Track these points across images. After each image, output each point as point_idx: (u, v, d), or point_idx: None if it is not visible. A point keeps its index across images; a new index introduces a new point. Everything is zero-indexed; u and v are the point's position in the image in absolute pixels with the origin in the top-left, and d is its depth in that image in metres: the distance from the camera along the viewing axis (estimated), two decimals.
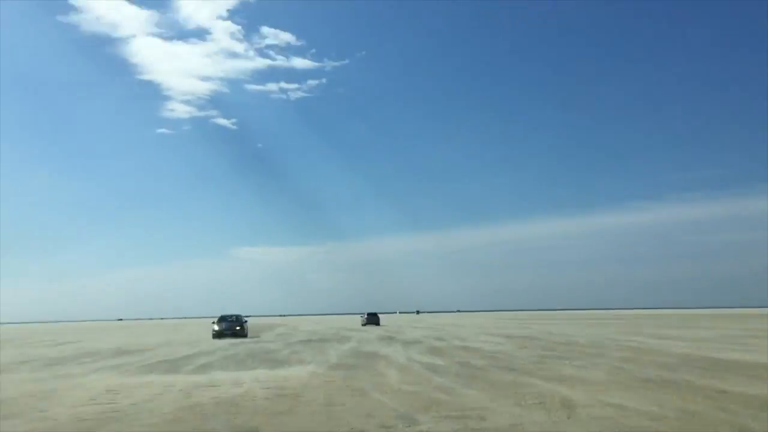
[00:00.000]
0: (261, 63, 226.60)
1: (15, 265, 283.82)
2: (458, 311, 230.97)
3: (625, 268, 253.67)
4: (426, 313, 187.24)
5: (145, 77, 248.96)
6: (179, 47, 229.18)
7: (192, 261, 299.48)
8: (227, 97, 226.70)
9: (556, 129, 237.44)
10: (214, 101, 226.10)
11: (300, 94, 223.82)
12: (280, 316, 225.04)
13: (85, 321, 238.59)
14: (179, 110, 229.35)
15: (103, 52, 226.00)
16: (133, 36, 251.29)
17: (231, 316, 37.57)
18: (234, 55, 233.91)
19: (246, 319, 38.68)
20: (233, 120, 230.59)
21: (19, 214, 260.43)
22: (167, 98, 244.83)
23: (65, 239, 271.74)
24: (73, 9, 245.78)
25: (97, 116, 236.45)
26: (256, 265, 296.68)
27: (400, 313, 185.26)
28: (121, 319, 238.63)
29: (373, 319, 61.11)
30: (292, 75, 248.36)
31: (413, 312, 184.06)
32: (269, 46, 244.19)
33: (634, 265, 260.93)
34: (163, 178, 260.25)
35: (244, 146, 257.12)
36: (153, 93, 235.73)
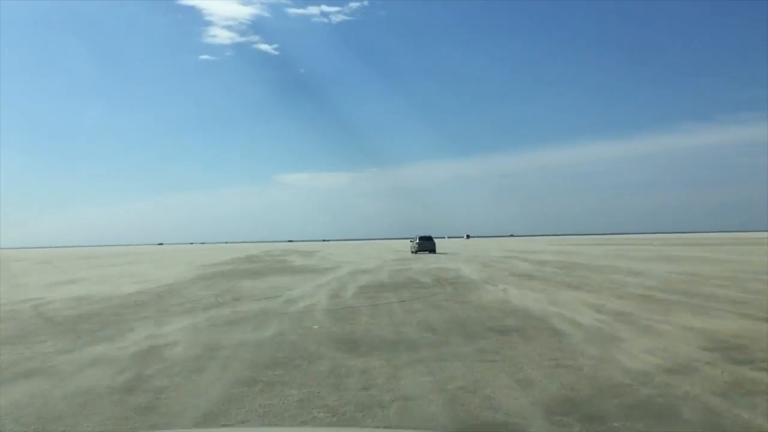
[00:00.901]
0: None
1: (67, 193, 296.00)
2: (511, 236, 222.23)
3: (675, 192, 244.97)
4: (475, 238, 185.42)
5: (186, 2, 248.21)
6: None
7: (237, 187, 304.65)
8: (269, 22, 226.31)
9: (605, 46, 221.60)
10: (256, 26, 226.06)
11: (341, 17, 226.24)
12: (323, 240, 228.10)
13: (128, 245, 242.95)
14: (221, 36, 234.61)
15: None
16: None
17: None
18: None
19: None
20: (275, 45, 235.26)
21: (73, 145, 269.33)
22: (209, 24, 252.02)
23: (115, 166, 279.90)
24: None
25: (142, 45, 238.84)
26: (300, 191, 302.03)
27: (448, 237, 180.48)
28: (161, 244, 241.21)
29: (427, 244, 46.81)
30: None
31: (462, 237, 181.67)
32: None
33: (684, 188, 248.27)
34: (207, 105, 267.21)
35: (287, 72, 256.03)
36: (195, 19, 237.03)
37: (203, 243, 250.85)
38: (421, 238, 47.30)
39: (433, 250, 46.42)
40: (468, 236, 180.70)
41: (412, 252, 47.29)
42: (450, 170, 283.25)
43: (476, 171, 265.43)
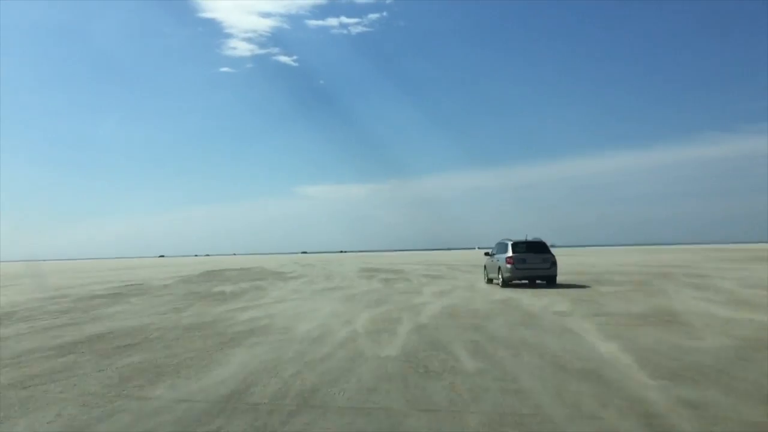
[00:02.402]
0: None
1: (88, 207, 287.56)
2: (553, 245, 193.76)
3: (698, 201, 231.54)
4: None
5: (206, 15, 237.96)
6: None
7: (257, 200, 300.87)
8: (288, 34, 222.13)
9: (626, 56, 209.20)
10: (275, 38, 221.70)
11: (361, 28, 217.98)
12: (340, 252, 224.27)
13: (145, 258, 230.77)
14: (241, 48, 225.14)
15: None
16: None
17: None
18: None
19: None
20: (294, 57, 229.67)
21: (89, 159, 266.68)
22: (229, 36, 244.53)
23: (133, 180, 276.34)
24: None
25: (161, 57, 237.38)
26: (319, 202, 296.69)
27: (478, 248, 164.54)
28: (162, 256, 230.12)
29: (536, 263, 19.55)
30: (352, 9, 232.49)
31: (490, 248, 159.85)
32: None
33: (708, 198, 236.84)
34: (227, 118, 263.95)
35: (306, 84, 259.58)
36: (215, 31, 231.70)
37: (207, 255, 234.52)
38: (518, 246, 19.80)
39: (550, 279, 19.78)
40: None
41: (492, 281, 21.46)
42: (470, 181, 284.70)
43: (496, 182, 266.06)
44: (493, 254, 21.42)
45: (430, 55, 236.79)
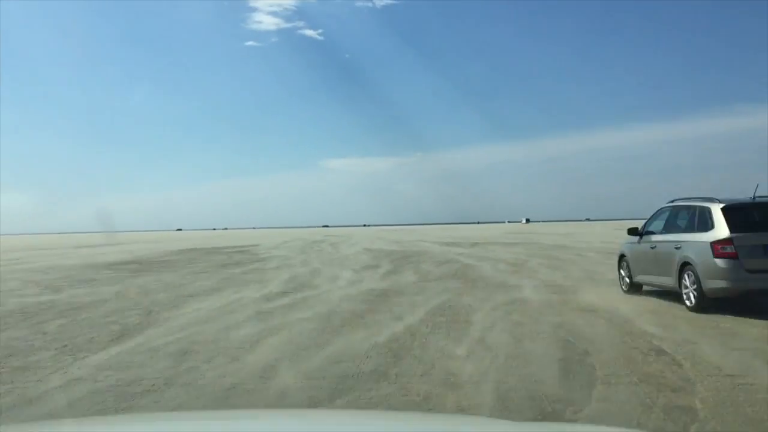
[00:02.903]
0: None
1: (113, 179, 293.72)
2: (587, 219, 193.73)
3: (732, 174, 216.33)
4: (535, 223, 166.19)
5: None
6: None
7: (282, 173, 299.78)
8: (313, 7, 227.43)
9: (654, 26, 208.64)
10: (300, 11, 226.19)
11: (386, 1, 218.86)
12: (363, 225, 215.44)
13: (163, 231, 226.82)
14: (266, 22, 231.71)
15: None
16: None
17: None
18: None
19: None
20: (320, 30, 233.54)
21: (117, 131, 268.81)
22: (254, 9, 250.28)
23: (161, 152, 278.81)
24: None
25: (187, 31, 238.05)
26: (345, 175, 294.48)
27: (509, 222, 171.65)
28: (180, 230, 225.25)
29: None
30: None
31: (519, 221, 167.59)
32: None
33: (741, 170, 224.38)
34: (253, 92, 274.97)
35: (332, 57, 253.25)
36: (240, 5, 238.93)
37: (225, 229, 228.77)
38: (744, 214, 8.70)
39: None
40: (528, 220, 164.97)
41: (641, 289, 10.28)
42: (495, 154, 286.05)
43: (522, 155, 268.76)
44: (655, 233, 10.11)
45: (458, 27, 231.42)
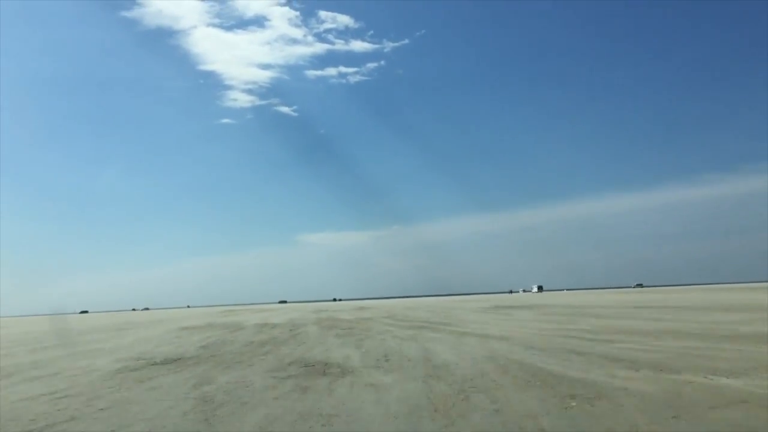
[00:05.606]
0: (320, 48, 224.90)
1: (88, 259, 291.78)
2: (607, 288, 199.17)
3: (701, 242, 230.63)
4: (549, 291, 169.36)
5: (207, 68, 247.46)
6: (239, 36, 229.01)
7: (260, 249, 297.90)
8: (288, 84, 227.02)
9: (622, 101, 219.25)
10: (275, 89, 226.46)
11: (359, 77, 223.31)
12: (333, 300, 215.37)
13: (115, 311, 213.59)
14: (241, 99, 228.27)
15: (165, 44, 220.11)
16: (194, 27, 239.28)
17: None
18: (293, 41, 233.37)
19: None
20: (294, 107, 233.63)
21: (87, 212, 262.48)
22: (229, 88, 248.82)
23: (133, 233, 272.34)
24: (136, 3, 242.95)
25: (161, 109, 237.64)
26: (323, 250, 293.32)
27: (524, 291, 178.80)
28: (136, 309, 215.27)
29: None
30: (350, 58, 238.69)
31: (530, 290, 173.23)
32: (327, 30, 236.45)
33: (710, 239, 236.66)
34: (228, 169, 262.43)
35: (307, 133, 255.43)
36: (215, 83, 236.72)
37: (188, 306, 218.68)
38: None
39: None
40: (541, 288, 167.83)
41: None
42: (471, 226, 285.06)
43: (497, 226, 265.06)
44: None
45: (429, 103, 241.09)
